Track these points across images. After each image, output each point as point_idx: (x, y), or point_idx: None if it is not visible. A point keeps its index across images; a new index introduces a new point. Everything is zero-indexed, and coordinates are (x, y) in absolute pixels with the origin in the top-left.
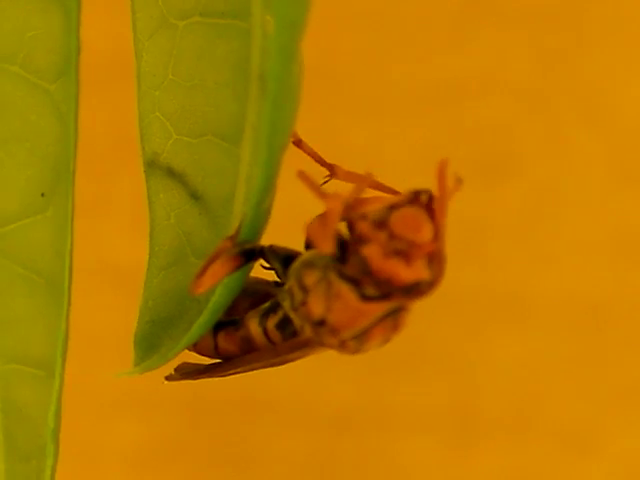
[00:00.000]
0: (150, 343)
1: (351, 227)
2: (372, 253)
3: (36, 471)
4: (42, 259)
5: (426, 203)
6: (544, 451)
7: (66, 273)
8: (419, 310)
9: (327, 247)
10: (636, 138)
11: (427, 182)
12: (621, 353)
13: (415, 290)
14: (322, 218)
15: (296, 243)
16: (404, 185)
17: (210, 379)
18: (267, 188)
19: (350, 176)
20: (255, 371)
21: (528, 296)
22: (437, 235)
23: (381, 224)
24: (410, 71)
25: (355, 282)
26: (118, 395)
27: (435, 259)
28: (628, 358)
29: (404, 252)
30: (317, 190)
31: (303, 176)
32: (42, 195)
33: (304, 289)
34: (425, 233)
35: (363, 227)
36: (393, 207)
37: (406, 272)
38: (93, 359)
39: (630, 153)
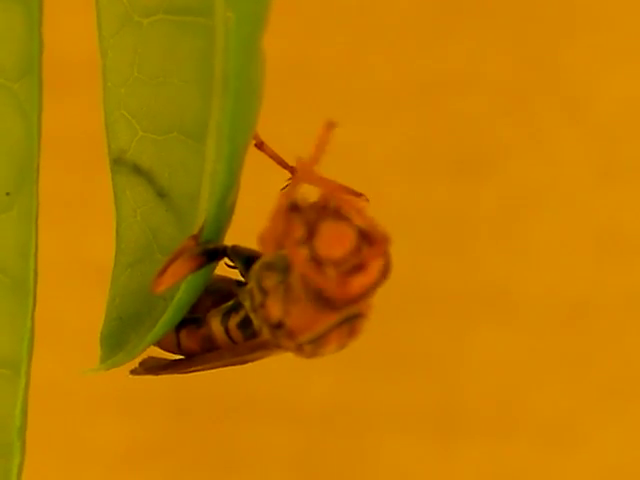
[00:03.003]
0: (117, 340)
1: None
2: (315, 279)
3: (3, 469)
4: (7, 258)
5: (337, 208)
6: (527, 448)
7: (31, 272)
8: (401, 308)
9: (267, 248)
10: (617, 135)
11: (407, 179)
12: (604, 350)
13: (369, 293)
14: (270, 217)
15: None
16: (385, 183)
17: (197, 376)
18: (230, 185)
19: (312, 178)
20: (239, 368)
21: (510, 294)
22: (368, 238)
23: (310, 249)
24: (391, 69)
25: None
26: (100, 394)
27: (374, 257)
28: (610, 355)
29: (345, 270)
30: (279, 159)
31: (262, 147)
32: (7, 194)
33: (263, 291)
34: (349, 245)
35: (297, 258)
36: (314, 229)
37: (353, 287)
38: (76, 357)
39: (611, 150)
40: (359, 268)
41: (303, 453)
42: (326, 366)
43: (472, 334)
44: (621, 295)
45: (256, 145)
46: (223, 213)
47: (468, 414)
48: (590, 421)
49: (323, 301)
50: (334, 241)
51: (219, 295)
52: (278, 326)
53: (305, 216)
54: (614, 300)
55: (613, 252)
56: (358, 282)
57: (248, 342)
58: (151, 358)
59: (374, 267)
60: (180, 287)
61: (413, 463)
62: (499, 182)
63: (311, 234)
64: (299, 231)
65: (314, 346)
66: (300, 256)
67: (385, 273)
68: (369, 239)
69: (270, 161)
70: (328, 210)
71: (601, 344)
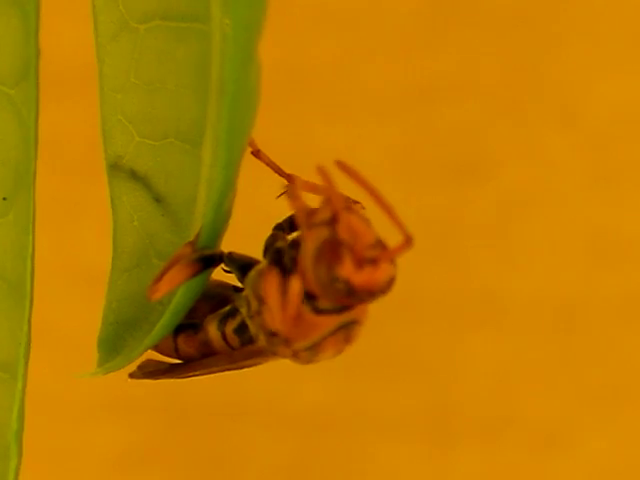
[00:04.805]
0: (113, 344)
1: (302, 248)
2: (343, 273)
3: (0, 472)
4: (4, 262)
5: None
6: (521, 452)
7: (28, 276)
8: (393, 313)
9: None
10: (609, 140)
11: (400, 184)
12: (595, 354)
13: (372, 293)
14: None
15: (255, 249)
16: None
17: (191, 381)
18: (226, 190)
19: (309, 186)
20: (233, 373)
21: (503, 299)
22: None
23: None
24: (383, 73)
25: (309, 295)
26: (97, 398)
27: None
28: (601, 359)
29: (359, 259)
30: (275, 167)
31: (259, 154)
32: (4, 199)
33: (259, 299)
34: (370, 237)
35: (320, 249)
36: (338, 215)
37: (362, 277)
38: (73, 361)
39: (602, 155)
40: (372, 262)
41: (297, 458)
42: (320, 372)
43: (464, 339)
44: (613, 300)
45: (253, 153)
46: (220, 219)
47: (460, 419)
48: (582, 425)
49: (321, 303)
50: (357, 228)
51: (216, 300)
52: (274, 334)
53: (330, 207)
54: (606, 305)
55: (605, 257)
56: (367, 275)
57: (245, 348)
58: (149, 361)
59: (385, 268)
60: (177, 292)
61: (406, 468)
62: (491, 187)
63: (334, 219)
64: (323, 214)
65: (310, 353)
66: (317, 234)
67: (390, 283)
68: (384, 245)
69: (266, 167)
70: (354, 209)
71: (593, 348)
